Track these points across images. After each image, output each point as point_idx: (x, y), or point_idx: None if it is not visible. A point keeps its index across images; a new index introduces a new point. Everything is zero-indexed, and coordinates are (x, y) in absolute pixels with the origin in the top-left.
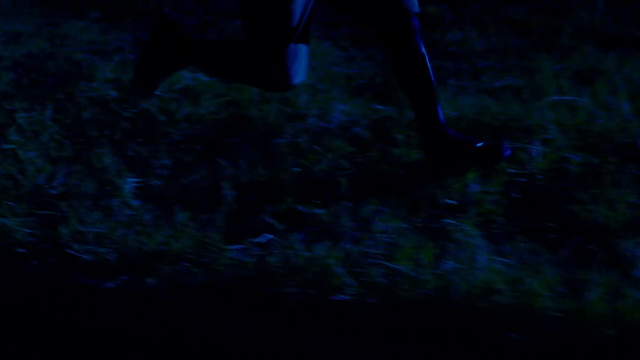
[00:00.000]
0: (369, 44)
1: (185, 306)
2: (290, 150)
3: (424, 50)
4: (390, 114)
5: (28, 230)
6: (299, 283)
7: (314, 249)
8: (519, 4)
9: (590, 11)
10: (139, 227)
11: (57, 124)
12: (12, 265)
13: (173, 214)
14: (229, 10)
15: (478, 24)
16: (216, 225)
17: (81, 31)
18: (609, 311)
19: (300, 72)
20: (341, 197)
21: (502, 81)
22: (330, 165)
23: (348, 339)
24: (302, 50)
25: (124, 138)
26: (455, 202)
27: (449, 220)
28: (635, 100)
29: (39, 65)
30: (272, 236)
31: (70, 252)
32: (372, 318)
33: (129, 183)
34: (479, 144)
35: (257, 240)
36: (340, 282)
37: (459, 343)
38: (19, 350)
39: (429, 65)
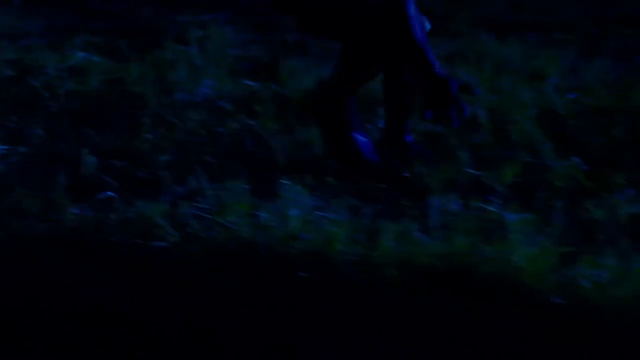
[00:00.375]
0: (270, 29)
1: (27, 256)
2: (154, 121)
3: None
4: (256, 89)
5: None
6: (128, 233)
7: (149, 205)
8: None
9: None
10: None
11: None
12: None
13: (31, 176)
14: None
15: None
16: (67, 185)
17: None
18: (398, 255)
19: None
20: (191, 162)
21: None
22: (187, 133)
23: (165, 280)
24: None
25: (6, 111)
26: (292, 164)
27: (284, 181)
28: (495, 78)
29: None
30: (112, 194)
31: None
32: (189, 264)
33: None
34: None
35: (99, 197)
36: (162, 232)
37: (261, 284)
38: None
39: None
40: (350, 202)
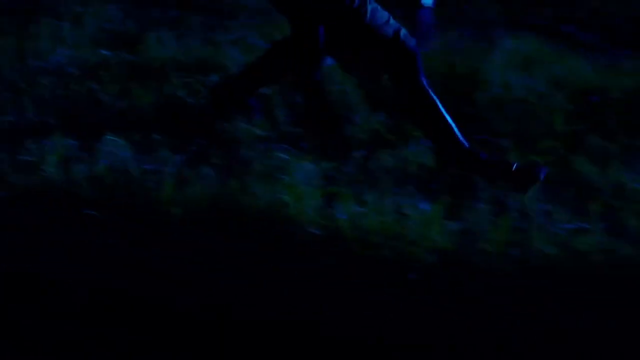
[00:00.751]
0: (152, 6)
1: None
2: (4, 86)
3: (427, 85)
4: (110, 58)
5: None
6: None
7: None
8: None
9: None
10: None
11: None
12: None
13: None
14: None
15: None
16: None
17: None
18: (186, 196)
19: None
20: (28, 121)
21: (230, 35)
22: (33, 96)
23: None
24: None
25: None
26: (124, 123)
27: (110, 137)
28: None
29: None
30: None
31: None
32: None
33: None
34: (515, 165)
35: None
36: None
37: (54, 219)
38: None
39: (435, 98)
40: (164, 154)
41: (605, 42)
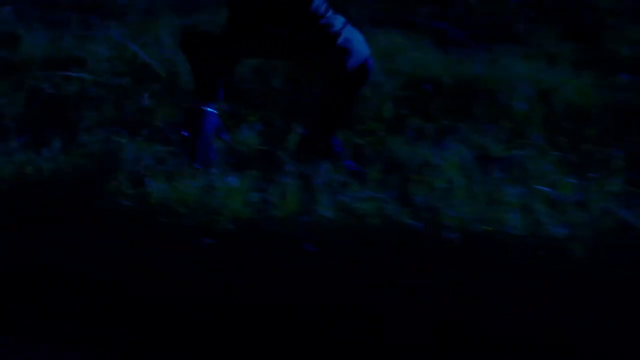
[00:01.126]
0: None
1: None
2: None
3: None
4: None
5: None
6: None
7: None
8: None
9: None
10: None
11: None
12: None
13: None
14: None
15: None
16: None
17: None
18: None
19: None
20: None
21: (101, 33)
22: None
23: None
24: None
25: None
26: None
27: None
28: None
29: None
30: None
31: None
32: None
33: None
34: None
35: None
36: None
37: None
38: None
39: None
40: (11, 141)
41: (471, 37)
